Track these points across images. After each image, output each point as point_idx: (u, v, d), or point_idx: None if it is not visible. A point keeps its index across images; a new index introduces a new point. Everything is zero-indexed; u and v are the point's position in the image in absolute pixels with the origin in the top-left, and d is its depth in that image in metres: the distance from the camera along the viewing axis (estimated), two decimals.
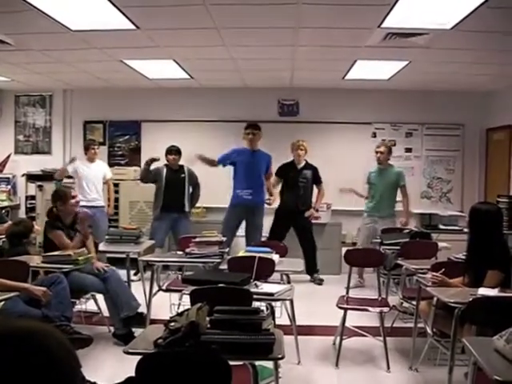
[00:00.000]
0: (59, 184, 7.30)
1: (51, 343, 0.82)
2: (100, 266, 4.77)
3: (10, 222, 5.76)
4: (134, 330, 4.62)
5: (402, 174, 7.03)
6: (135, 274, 6.32)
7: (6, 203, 8.19)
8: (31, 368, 0.77)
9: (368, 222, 6.94)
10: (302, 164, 7.26)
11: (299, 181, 7.18)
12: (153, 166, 6.97)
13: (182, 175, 7.04)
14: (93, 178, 7.29)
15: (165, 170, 7.01)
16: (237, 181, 6.90)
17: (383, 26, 4.64)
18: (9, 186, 8.49)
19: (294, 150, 7.20)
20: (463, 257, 4.45)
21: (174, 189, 6.94)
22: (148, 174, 6.92)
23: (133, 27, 4.77)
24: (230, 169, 7.00)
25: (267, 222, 7.21)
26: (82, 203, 5.91)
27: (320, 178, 7.31)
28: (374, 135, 8.28)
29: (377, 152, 6.94)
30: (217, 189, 7.31)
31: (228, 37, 5.16)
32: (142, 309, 4.92)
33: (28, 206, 8.43)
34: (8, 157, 8.68)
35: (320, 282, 7.18)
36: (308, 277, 7.20)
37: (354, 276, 6.49)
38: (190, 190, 7.13)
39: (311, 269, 7.18)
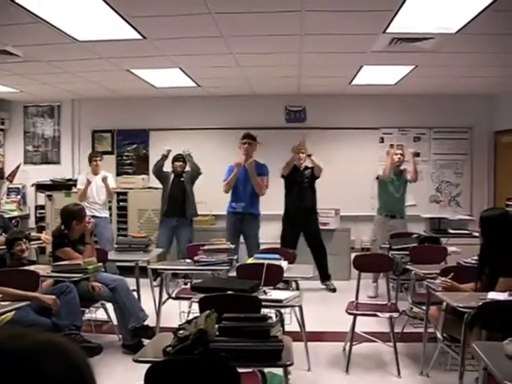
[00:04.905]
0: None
1: (73, 358, 0.82)
2: (96, 286, 4.73)
3: None
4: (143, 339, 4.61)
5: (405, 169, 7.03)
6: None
7: (15, 213, 8.24)
8: (50, 381, 0.78)
9: (386, 225, 6.75)
10: (303, 166, 7.22)
11: (303, 181, 7.13)
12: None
13: (182, 179, 7.42)
14: (96, 189, 7.37)
15: (172, 176, 7.42)
16: (232, 193, 6.84)
17: (388, 31, 4.65)
18: (18, 196, 8.54)
19: (296, 154, 7.03)
20: (473, 261, 4.42)
21: (175, 194, 7.33)
22: (162, 167, 7.39)
23: (139, 37, 4.80)
24: None
25: (274, 229, 7.21)
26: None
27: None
28: (382, 140, 8.27)
29: (397, 154, 6.89)
30: (225, 196, 7.29)
31: (234, 45, 5.19)
32: (152, 317, 4.93)
33: (38, 215, 8.49)
34: (17, 167, 8.76)
35: (332, 290, 7.07)
36: (318, 283, 7.08)
37: (370, 284, 6.49)
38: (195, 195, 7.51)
39: (322, 275, 7.09)
